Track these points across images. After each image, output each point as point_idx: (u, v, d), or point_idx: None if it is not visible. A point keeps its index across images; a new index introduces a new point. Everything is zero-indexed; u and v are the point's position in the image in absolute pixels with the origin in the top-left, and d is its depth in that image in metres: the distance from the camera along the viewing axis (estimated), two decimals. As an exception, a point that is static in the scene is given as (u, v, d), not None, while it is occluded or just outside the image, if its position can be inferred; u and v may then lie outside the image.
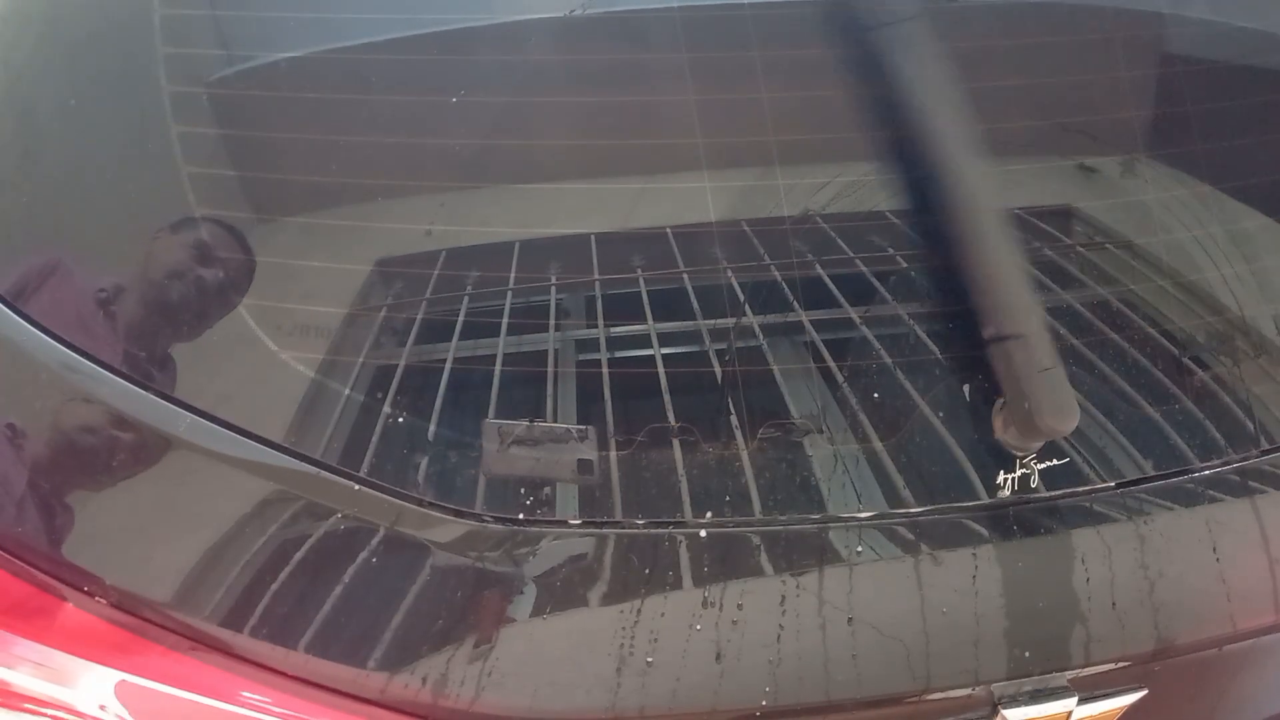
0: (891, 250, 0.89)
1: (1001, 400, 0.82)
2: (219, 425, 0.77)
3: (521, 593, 0.78)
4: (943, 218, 0.82)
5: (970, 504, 0.84)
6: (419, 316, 0.83)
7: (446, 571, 0.78)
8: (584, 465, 0.80)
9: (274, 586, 0.76)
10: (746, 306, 0.84)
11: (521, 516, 0.79)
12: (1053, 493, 0.85)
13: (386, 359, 0.81)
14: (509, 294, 0.84)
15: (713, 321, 0.84)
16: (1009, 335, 0.79)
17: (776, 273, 0.84)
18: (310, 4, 0.90)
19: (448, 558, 0.78)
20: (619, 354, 0.84)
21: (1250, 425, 0.92)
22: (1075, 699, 0.83)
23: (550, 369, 0.83)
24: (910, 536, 0.83)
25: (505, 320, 0.84)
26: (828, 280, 0.86)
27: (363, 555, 0.77)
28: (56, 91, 0.84)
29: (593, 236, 0.85)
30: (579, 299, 0.85)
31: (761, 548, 0.81)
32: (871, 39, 0.84)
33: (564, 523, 0.80)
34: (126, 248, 0.83)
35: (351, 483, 0.78)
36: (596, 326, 0.84)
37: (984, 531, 0.84)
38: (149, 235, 0.83)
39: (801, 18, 0.92)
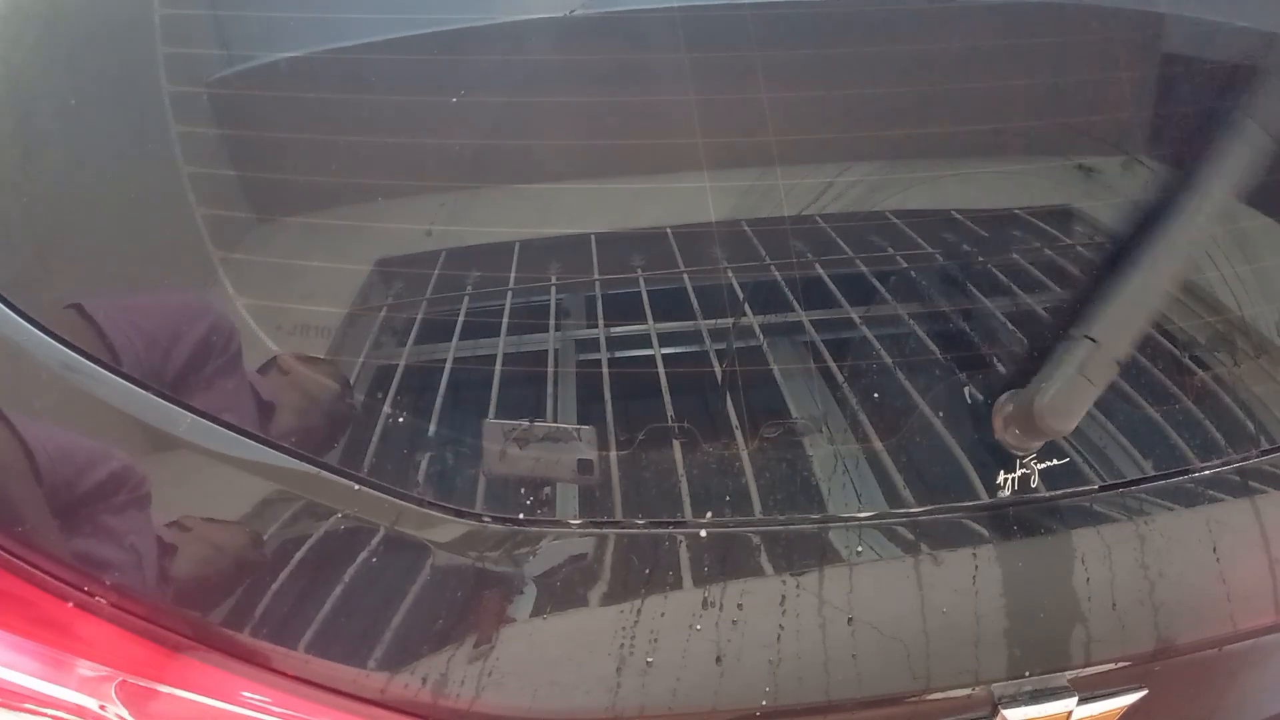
0: (891, 250, 0.89)
1: (1006, 394, 0.82)
2: (219, 425, 0.77)
3: (521, 593, 0.78)
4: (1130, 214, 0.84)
5: (970, 504, 0.84)
6: (419, 316, 0.83)
7: (446, 571, 0.78)
8: (584, 465, 0.80)
9: (274, 586, 0.76)
10: (746, 306, 0.84)
11: (521, 516, 0.79)
12: (1053, 493, 0.85)
13: (386, 359, 0.81)
14: (509, 294, 0.84)
15: (713, 321, 0.84)
16: (1090, 337, 0.79)
17: (776, 273, 0.84)
18: (310, 4, 0.90)
19: (448, 558, 0.78)
20: (619, 354, 0.84)
21: (1250, 425, 0.92)
22: (1075, 699, 0.83)
23: (550, 369, 0.83)
24: (910, 536, 0.83)
25: (505, 320, 0.83)
26: (828, 280, 0.86)
27: (363, 555, 0.77)
28: (56, 91, 0.84)
29: (593, 236, 0.85)
30: (579, 299, 0.85)
31: (761, 548, 0.81)
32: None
33: (564, 523, 0.80)
34: (126, 247, 0.83)
35: (351, 483, 0.78)
36: (596, 326, 0.84)
37: (984, 531, 0.84)
38: (148, 235, 0.83)
39: (801, 18, 0.92)
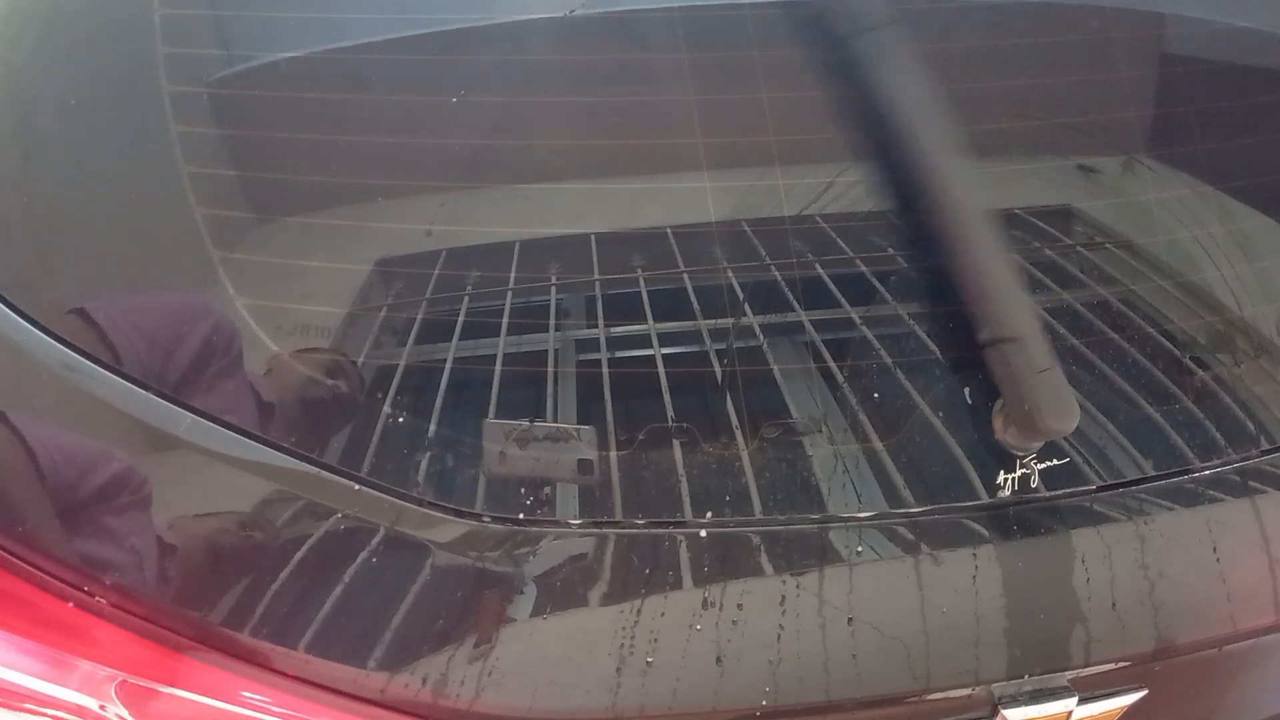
0: (891, 250, 0.89)
1: (1001, 401, 0.82)
2: (219, 425, 0.78)
3: (521, 593, 0.78)
4: (933, 220, 0.82)
5: (970, 504, 0.84)
6: (419, 316, 0.83)
7: (446, 571, 0.78)
8: (584, 465, 0.80)
9: (274, 586, 0.76)
10: (746, 306, 0.84)
11: (521, 516, 0.79)
12: (1053, 493, 0.85)
13: (386, 359, 0.81)
14: (509, 294, 0.84)
15: (713, 321, 0.84)
16: (1003, 338, 0.79)
17: (776, 273, 0.84)
18: (310, 4, 0.90)
19: (448, 558, 0.78)
20: (619, 354, 0.84)
21: (1250, 425, 0.92)
22: (1075, 699, 0.83)
23: (550, 369, 0.83)
24: (910, 536, 0.83)
25: (505, 320, 0.84)
26: (828, 280, 0.86)
27: (363, 555, 0.77)
28: (56, 91, 0.84)
29: (593, 236, 0.85)
30: (579, 299, 0.85)
31: (761, 548, 0.81)
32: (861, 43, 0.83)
33: (564, 523, 0.80)
34: (126, 247, 0.83)
35: (351, 483, 0.78)
36: (596, 326, 0.84)
37: (984, 531, 0.84)
38: (148, 235, 0.83)
39: (801, 18, 0.92)
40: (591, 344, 0.84)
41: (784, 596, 0.79)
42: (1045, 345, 0.79)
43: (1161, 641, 0.85)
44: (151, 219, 0.82)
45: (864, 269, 0.88)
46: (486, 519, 0.79)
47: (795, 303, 0.84)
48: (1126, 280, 0.92)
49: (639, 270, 0.85)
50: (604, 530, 0.80)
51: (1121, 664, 0.85)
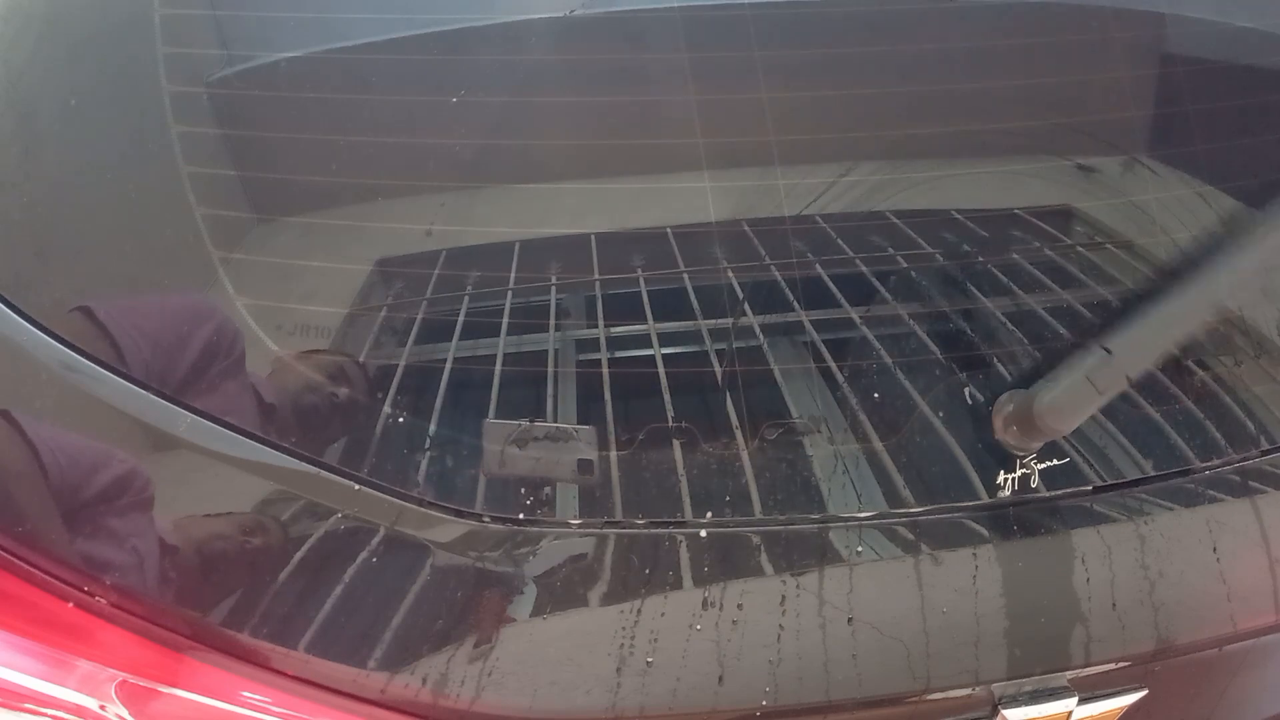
0: (891, 250, 0.89)
1: (1006, 395, 0.82)
2: (219, 425, 0.78)
3: (521, 593, 0.78)
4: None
5: (970, 504, 0.84)
6: (419, 316, 0.83)
7: (446, 571, 0.78)
8: (584, 465, 0.80)
9: (274, 586, 0.76)
10: (746, 306, 0.84)
11: (521, 516, 0.79)
12: (1053, 493, 0.85)
13: (386, 359, 0.81)
14: (509, 294, 0.84)
15: (713, 321, 0.84)
16: (1109, 348, 0.76)
17: (776, 273, 0.84)
18: (310, 4, 0.90)
19: (448, 558, 0.78)
20: (619, 354, 0.84)
21: (1250, 425, 0.92)
22: (1075, 699, 0.83)
23: (550, 369, 0.83)
24: (910, 536, 0.83)
25: (505, 320, 0.84)
26: (828, 280, 0.86)
27: (363, 555, 0.77)
28: (56, 91, 0.84)
29: (593, 236, 0.85)
30: (579, 299, 0.85)
31: (761, 548, 0.81)
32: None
33: (564, 523, 0.80)
34: (126, 247, 0.83)
35: (351, 483, 0.78)
36: (596, 326, 0.84)
37: (984, 531, 0.84)
38: (148, 235, 0.83)
39: (801, 18, 0.92)
40: (591, 344, 0.84)
41: (784, 596, 0.79)
42: (1123, 380, 0.77)
43: (1161, 641, 0.85)
44: (151, 219, 0.82)
45: (864, 269, 0.88)
46: (486, 519, 0.79)
47: (795, 303, 0.84)
48: (1126, 280, 0.92)
49: (639, 270, 0.85)
50: (604, 530, 0.80)
51: (1121, 664, 0.85)
